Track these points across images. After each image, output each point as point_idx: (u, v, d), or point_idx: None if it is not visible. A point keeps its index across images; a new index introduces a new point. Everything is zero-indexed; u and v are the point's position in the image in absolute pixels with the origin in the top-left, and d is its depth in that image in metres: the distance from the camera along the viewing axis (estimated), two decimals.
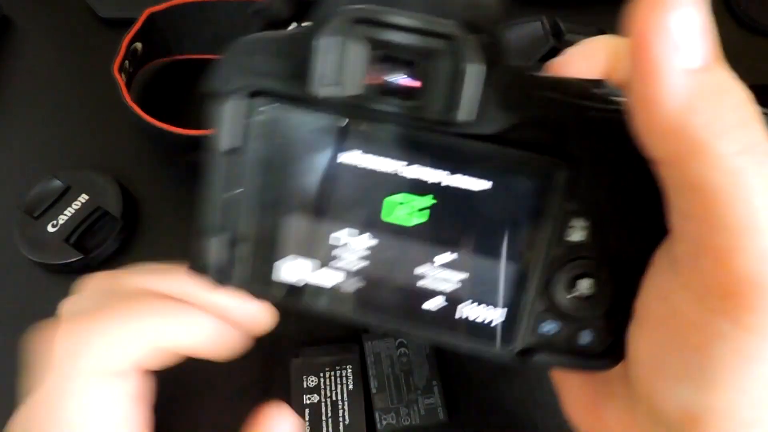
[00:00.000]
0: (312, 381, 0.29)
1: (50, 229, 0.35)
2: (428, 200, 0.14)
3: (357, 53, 0.14)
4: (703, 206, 0.14)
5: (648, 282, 0.16)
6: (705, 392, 0.15)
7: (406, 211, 0.14)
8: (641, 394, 0.16)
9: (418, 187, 0.14)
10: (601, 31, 0.37)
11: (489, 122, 0.14)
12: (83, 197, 0.36)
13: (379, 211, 0.14)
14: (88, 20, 0.46)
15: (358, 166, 0.14)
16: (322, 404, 0.29)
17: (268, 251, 0.16)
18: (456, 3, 0.14)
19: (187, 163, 0.36)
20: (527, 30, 0.35)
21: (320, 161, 0.15)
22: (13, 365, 0.33)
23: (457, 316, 0.16)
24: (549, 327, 0.16)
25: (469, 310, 0.16)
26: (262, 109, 0.15)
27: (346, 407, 0.29)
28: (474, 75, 0.14)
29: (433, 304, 0.16)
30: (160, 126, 0.34)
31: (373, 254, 0.15)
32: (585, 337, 0.16)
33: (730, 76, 0.15)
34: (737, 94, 0.14)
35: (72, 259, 0.34)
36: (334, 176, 0.15)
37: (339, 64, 0.14)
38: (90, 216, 0.36)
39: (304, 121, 0.15)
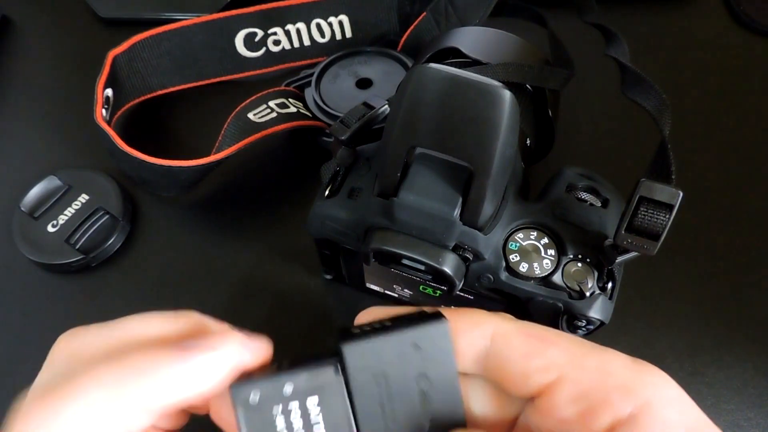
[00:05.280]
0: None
1: (50, 229, 0.35)
2: (438, 292, 0.30)
3: None
4: None
5: None
6: None
7: (430, 290, 0.30)
8: None
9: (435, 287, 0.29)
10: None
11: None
12: (83, 197, 0.37)
13: (419, 287, 0.30)
14: (88, 20, 0.46)
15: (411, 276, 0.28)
16: None
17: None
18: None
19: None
20: None
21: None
22: (13, 365, 0.34)
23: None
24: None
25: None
26: None
27: None
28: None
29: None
30: (168, 164, 0.33)
31: (413, 296, 0.32)
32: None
33: None
34: None
35: (72, 259, 0.35)
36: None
37: None
38: (90, 216, 0.36)
39: None
